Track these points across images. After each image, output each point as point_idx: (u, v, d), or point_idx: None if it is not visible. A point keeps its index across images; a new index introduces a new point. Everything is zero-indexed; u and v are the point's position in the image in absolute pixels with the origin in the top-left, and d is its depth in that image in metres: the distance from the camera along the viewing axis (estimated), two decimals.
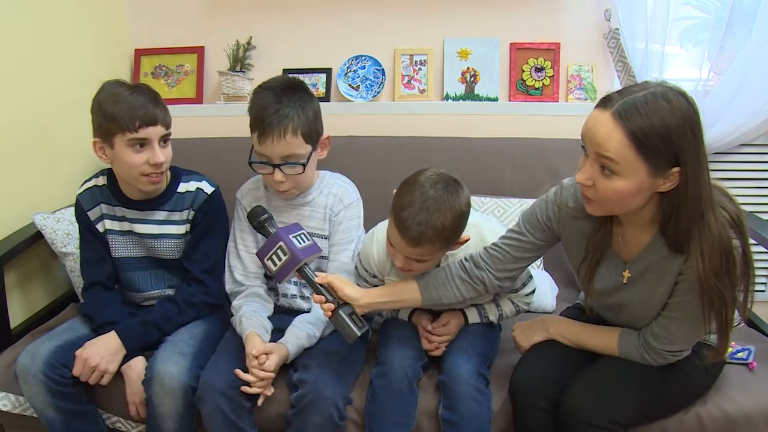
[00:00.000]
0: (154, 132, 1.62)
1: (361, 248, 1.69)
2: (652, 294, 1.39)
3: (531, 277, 1.69)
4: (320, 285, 1.46)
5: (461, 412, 1.47)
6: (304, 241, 1.49)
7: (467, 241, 1.53)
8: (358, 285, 1.67)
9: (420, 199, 1.42)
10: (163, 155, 1.64)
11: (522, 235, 1.51)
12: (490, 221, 1.75)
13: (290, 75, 1.69)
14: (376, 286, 1.66)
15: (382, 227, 1.60)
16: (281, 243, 1.46)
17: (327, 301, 1.45)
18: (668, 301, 1.39)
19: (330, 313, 1.45)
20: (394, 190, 1.49)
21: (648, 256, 1.38)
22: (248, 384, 1.51)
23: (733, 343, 1.60)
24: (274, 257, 1.47)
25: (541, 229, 1.50)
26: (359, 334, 1.44)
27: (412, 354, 1.58)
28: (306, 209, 1.74)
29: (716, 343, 1.36)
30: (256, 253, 1.53)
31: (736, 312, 1.32)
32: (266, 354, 1.52)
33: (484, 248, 1.55)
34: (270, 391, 1.54)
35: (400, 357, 1.56)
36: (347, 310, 1.45)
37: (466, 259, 1.56)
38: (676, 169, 1.22)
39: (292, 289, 1.78)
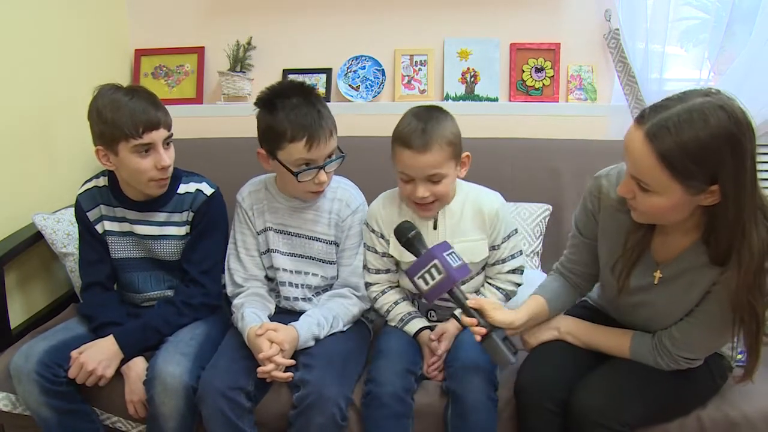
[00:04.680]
0: (158, 136, 1.61)
1: (367, 211, 1.72)
2: (681, 299, 1.38)
3: (521, 252, 1.70)
4: (472, 308, 1.41)
5: (471, 421, 1.47)
6: (457, 261, 1.43)
7: (468, 161, 1.63)
8: (365, 254, 1.73)
9: (412, 116, 1.56)
10: (168, 158, 1.64)
11: (576, 238, 1.54)
12: (487, 189, 1.73)
13: (290, 79, 1.69)
14: (385, 254, 1.69)
15: (385, 191, 1.72)
16: (435, 261, 1.39)
17: (479, 324, 1.40)
18: (695, 309, 1.37)
19: (480, 337, 1.40)
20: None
21: (684, 261, 1.36)
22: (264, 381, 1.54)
23: None
24: (426, 276, 1.40)
25: (592, 224, 1.50)
26: (513, 360, 1.40)
27: (404, 368, 1.55)
28: (310, 213, 1.72)
29: (736, 362, 1.35)
30: (405, 271, 1.47)
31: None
32: (273, 330, 1.55)
33: (567, 258, 1.59)
34: (286, 375, 1.54)
35: (391, 373, 1.53)
36: (500, 335, 1.40)
37: (559, 271, 1.60)
38: (715, 186, 1.19)
39: (295, 292, 1.76)
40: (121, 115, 1.57)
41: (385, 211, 1.68)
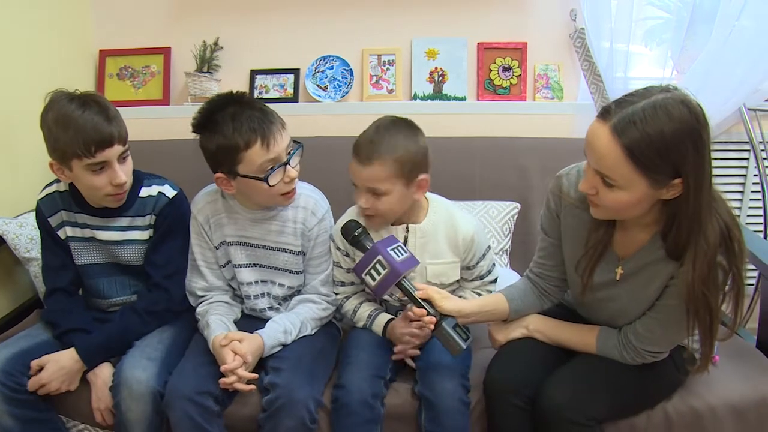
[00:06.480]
0: (112, 153, 1.55)
1: (333, 228, 1.69)
2: (642, 293, 1.40)
3: (494, 264, 1.71)
4: (421, 299, 1.43)
5: (446, 425, 1.47)
6: (402, 254, 1.45)
7: (426, 184, 1.57)
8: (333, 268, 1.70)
9: (374, 125, 1.55)
10: (124, 174, 1.59)
11: (544, 240, 1.55)
12: (463, 210, 1.73)
13: (214, 94, 1.62)
14: (350, 270, 1.68)
15: (352, 207, 1.67)
16: (379, 257, 1.42)
17: (429, 314, 1.42)
18: (656, 303, 1.40)
19: (432, 326, 1.42)
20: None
21: (644, 256, 1.39)
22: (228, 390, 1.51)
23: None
24: (372, 272, 1.43)
25: (556, 223, 1.51)
26: (465, 346, 1.42)
27: (372, 373, 1.55)
28: (274, 224, 1.67)
29: (699, 354, 1.37)
30: (353, 269, 1.47)
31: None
32: (238, 341, 1.52)
33: (535, 262, 1.59)
34: (248, 388, 1.52)
35: (359, 379, 1.52)
36: (450, 323, 1.42)
37: (528, 277, 1.60)
38: (678, 180, 1.22)
39: (260, 304, 1.74)
40: (72, 134, 1.50)
41: None
